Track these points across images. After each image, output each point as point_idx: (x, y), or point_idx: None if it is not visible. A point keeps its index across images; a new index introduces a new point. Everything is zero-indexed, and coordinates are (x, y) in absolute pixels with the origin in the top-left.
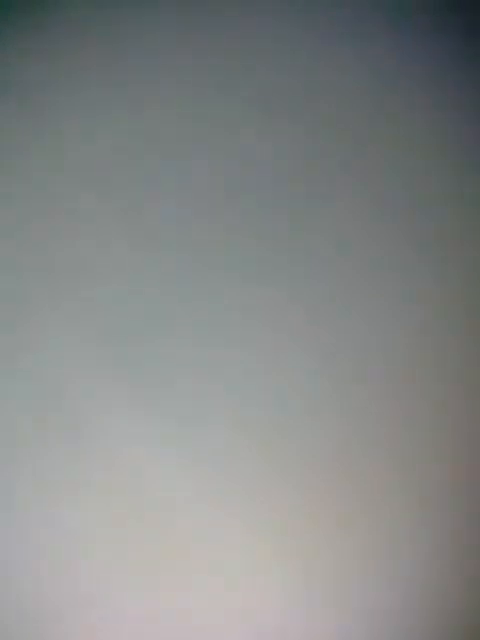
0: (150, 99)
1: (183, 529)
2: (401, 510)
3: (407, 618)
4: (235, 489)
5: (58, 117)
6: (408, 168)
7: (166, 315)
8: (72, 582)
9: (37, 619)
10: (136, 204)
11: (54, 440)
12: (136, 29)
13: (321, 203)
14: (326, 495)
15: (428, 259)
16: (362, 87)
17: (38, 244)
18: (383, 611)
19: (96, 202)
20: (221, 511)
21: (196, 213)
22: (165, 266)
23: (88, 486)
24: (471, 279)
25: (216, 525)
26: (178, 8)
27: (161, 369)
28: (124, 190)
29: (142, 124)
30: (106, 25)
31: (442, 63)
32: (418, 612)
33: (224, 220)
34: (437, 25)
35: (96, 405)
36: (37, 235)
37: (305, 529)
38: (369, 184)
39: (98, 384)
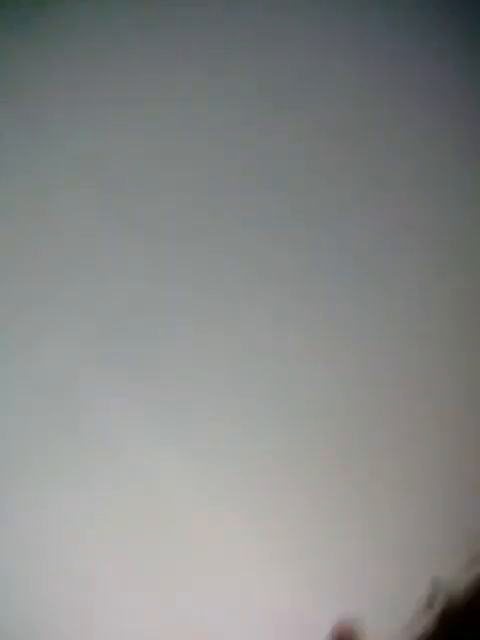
0: (150, 97)
1: (183, 526)
2: (405, 508)
3: (408, 618)
4: (236, 483)
5: (56, 112)
6: (409, 164)
7: (166, 309)
8: (71, 579)
9: (36, 618)
10: (135, 199)
11: (54, 437)
12: (136, 26)
13: (322, 197)
14: (330, 493)
15: (430, 255)
16: (363, 82)
17: (36, 240)
18: (384, 611)
19: (95, 198)
20: (222, 506)
21: (196, 207)
22: (165, 260)
23: (88, 482)
24: (475, 276)
25: (217, 521)
26: (178, 4)
27: (161, 363)
28: (123, 185)
29: (142, 122)
30: (106, 21)
31: (443, 61)
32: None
33: (224, 214)
34: (437, 23)
35: (95, 400)
36: (36, 232)
37: (307, 526)
38: (370, 180)
39: (97, 379)
